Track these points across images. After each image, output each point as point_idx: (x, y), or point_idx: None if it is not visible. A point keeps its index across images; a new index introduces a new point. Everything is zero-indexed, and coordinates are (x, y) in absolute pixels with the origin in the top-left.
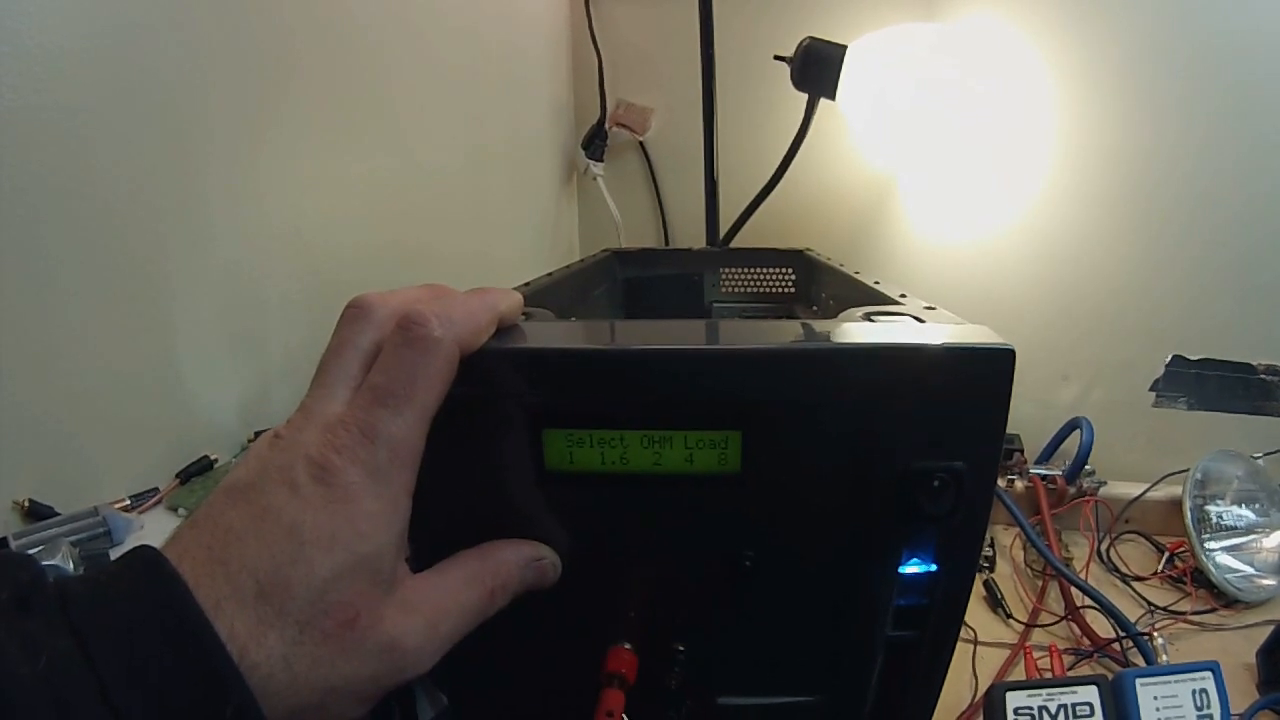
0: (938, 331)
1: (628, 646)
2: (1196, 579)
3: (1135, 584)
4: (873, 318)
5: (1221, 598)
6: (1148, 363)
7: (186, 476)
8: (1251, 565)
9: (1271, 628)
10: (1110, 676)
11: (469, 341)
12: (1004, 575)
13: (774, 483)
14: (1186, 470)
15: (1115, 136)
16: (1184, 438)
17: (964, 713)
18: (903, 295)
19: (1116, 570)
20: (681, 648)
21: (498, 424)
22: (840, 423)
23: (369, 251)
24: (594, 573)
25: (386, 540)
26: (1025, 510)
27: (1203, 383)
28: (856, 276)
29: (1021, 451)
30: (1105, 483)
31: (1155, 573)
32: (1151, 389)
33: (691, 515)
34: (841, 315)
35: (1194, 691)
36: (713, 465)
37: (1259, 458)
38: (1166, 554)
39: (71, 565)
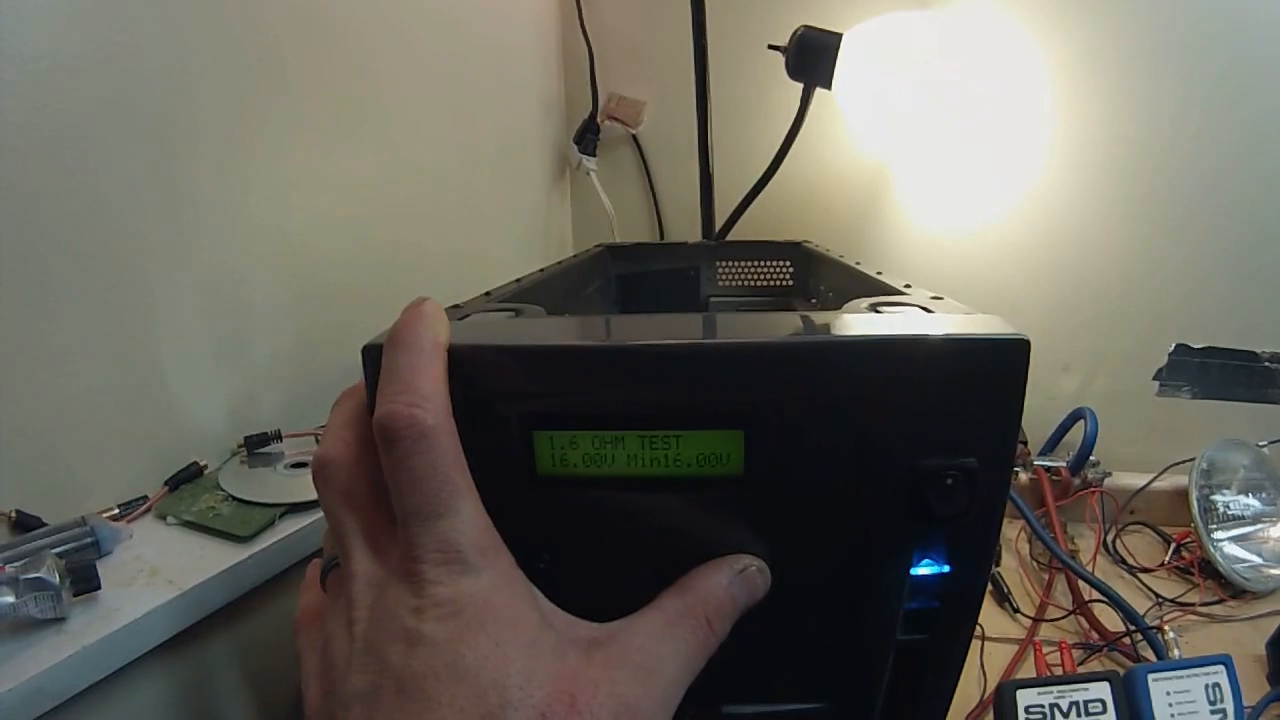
0: (947, 322)
1: None
2: (1204, 569)
3: (1142, 576)
4: (879, 308)
5: (1229, 588)
6: (1150, 352)
7: (175, 484)
8: (1259, 555)
9: None
10: (1121, 672)
11: (443, 399)
12: (1010, 569)
13: (779, 484)
14: (1192, 460)
15: (1114, 123)
16: (1189, 427)
17: (973, 710)
18: (907, 286)
19: (1123, 562)
20: None
21: (484, 427)
22: (848, 419)
23: (356, 252)
24: (594, 580)
25: (524, 610)
26: (1030, 502)
27: (1206, 371)
28: (858, 268)
29: (1025, 443)
30: (1110, 474)
31: (1162, 564)
32: (1155, 378)
33: (692, 519)
34: (846, 306)
35: (1207, 686)
36: (714, 467)
37: (1264, 446)
38: (1173, 545)
39: (57, 578)
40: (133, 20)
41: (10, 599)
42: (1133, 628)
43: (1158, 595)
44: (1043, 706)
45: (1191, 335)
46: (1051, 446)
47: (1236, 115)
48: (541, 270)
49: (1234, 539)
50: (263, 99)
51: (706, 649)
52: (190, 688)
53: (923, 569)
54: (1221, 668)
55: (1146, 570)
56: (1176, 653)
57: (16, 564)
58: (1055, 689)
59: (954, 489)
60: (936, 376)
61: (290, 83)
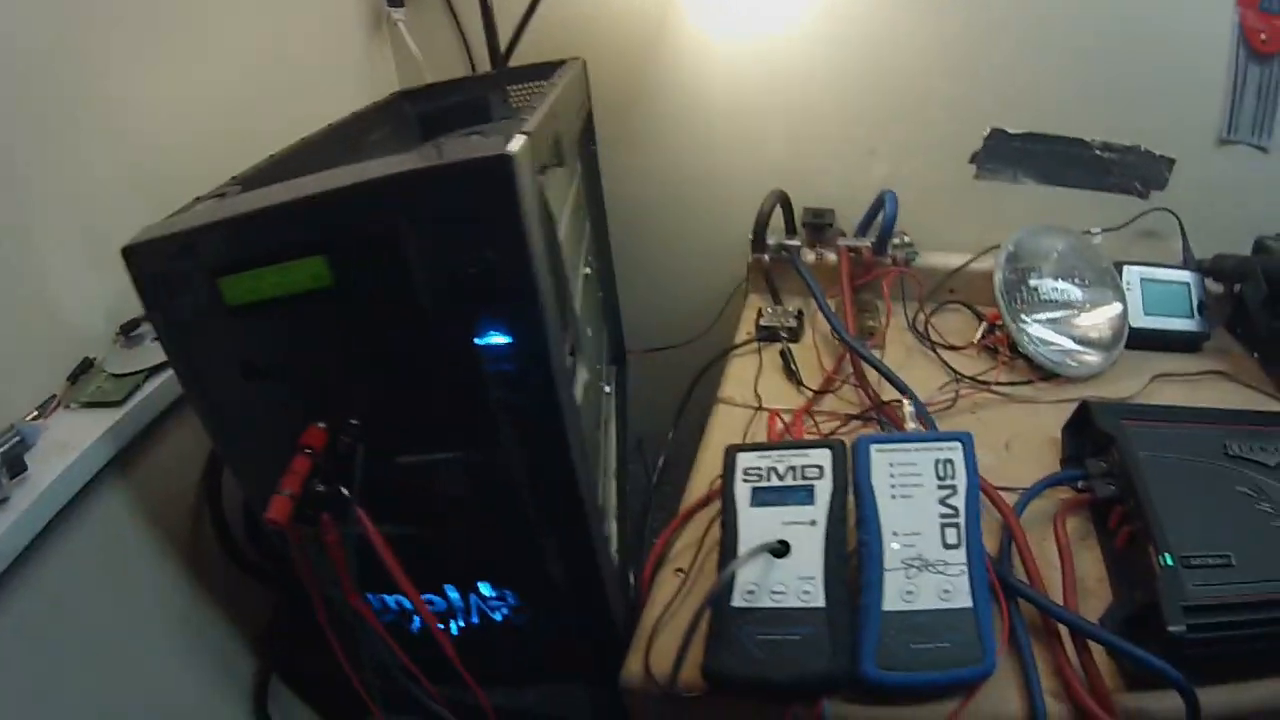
0: (462, 147)
1: (321, 425)
2: (1016, 350)
3: (951, 354)
4: (441, 142)
5: (1041, 370)
6: (970, 139)
7: (74, 378)
8: (1071, 339)
9: None
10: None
11: None
12: (807, 346)
13: (363, 290)
14: None
15: None
16: (1021, 212)
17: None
18: (516, 108)
19: (929, 339)
20: (355, 420)
21: (192, 286)
22: (389, 239)
23: (208, 145)
24: (287, 373)
25: None
26: (839, 282)
27: (1028, 157)
28: (555, 82)
29: (832, 225)
30: (918, 254)
31: (972, 343)
32: (971, 161)
33: (320, 321)
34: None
35: (937, 461)
36: (320, 282)
37: (1097, 234)
38: (985, 324)
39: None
40: None
41: None
42: (881, 402)
43: (956, 372)
44: (760, 469)
45: (1017, 126)
46: (864, 229)
47: None
48: (302, 140)
49: (1046, 322)
50: (108, 29)
51: None
52: (102, 524)
53: (491, 339)
54: (958, 444)
55: (954, 348)
56: (912, 426)
57: None
58: (775, 453)
59: (484, 278)
60: (437, 197)
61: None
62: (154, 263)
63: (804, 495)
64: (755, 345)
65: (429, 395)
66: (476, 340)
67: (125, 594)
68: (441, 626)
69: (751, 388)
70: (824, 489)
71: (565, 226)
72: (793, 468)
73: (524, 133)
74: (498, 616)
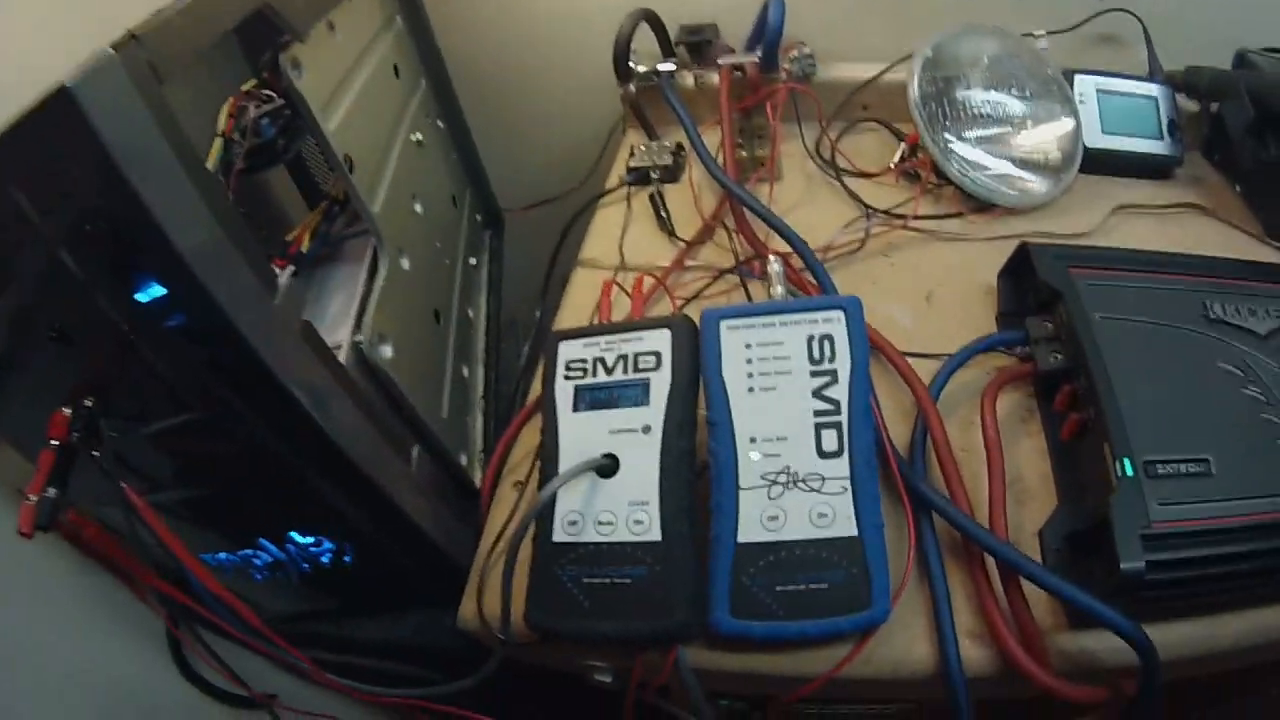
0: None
1: (65, 410)
2: (943, 175)
3: (862, 182)
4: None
5: (974, 200)
6: None
7: None
8: (1010, 161)
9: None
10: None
11: None
12: (686, 187)
13: (26, 272)
14: None
15: None
16: (947, 12)
17: None
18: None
19: (834, 165)
20: (89, 402)
21: None
22: (13, 213)
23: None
24: (18, 366)
25: None
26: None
27: None
28: None
29: (713, 42)
30: (817, 67)
31: (889, 168)
32: None
33: (14, 310)
34: None
35: (811, 339)
36: None
37: (1041, 36)
38: (904, 145)
39: None
40: None
41: None
42: (742, 261)
43: (865, 205)
44: (584, 362)
45: None
46: (754, 44)
47: None
48: None
49: (977, 141)
50: None
51: None
52: None
53: (150, 295)
54: (838, 314)
55: (867, 175)
56: (779, 291)
57: None
58: (604, 339)
59: (105, 233)
60: (25, 155)
61: None
62: None
63: (637, 393)
64: (626, 191)
65: (137, 362)
66: (138, 298)
67: (25, 587)
68: (277, 576)
69: (617, 244)
70: (661, 384)
71: (352, 102)
72: (623, 357)
73: (113, 47)
74: (325, 560)
